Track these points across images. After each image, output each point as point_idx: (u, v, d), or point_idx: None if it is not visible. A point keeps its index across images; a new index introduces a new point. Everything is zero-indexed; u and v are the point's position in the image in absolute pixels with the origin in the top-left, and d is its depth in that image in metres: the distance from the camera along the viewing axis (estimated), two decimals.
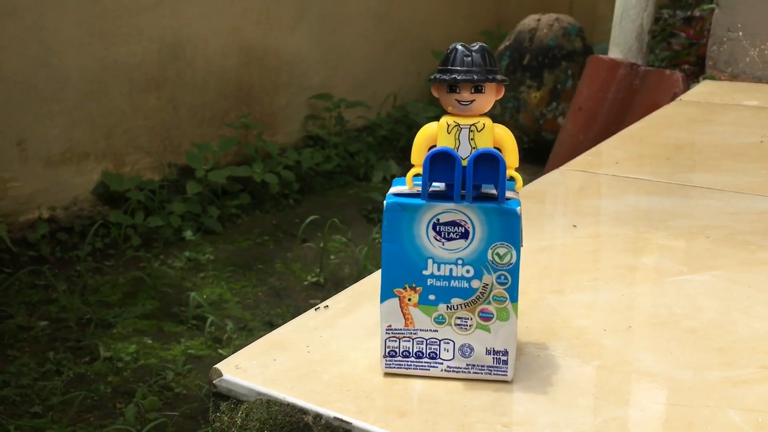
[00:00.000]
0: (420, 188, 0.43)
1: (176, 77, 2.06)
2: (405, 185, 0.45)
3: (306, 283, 1.74)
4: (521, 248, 0.44)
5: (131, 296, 1.58)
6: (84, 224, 1.84)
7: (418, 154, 0.44)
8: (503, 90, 0.43)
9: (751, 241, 0.68)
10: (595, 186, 0.87)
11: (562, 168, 0.94)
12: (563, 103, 1.99)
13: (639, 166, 0.96)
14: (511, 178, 0.44)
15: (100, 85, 1.89)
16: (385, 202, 0.43)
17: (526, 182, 1.86)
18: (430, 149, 0.43)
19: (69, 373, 1.28)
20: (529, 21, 2.08)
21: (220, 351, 1.39)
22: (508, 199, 0.43)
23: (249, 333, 1.48)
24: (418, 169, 0.44)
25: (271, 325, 1.52)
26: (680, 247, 0.67)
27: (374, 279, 0.58)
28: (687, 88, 1.66)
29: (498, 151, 0.42)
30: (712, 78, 1.64)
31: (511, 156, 0.43)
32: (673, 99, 1.57)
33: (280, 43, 2.34)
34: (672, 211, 0.77)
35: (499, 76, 0.42)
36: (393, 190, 0.45)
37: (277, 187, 2.12)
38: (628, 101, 1.73)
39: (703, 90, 1.52)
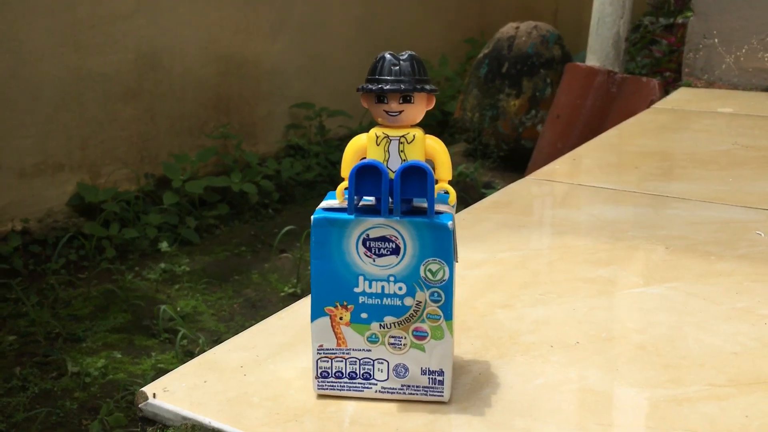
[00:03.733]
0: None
1: (153, 87, 2.04)
2: (336, 199, 0.43)
3: (282, 294, 1.72)
4: (455, 264, 0.42)
5: (103, 309, 1.55)
6: (58, 236, 1.82)
7: (347, 167, 0.42)
8: (434, 100, 0.42)
9: (711, 252, 0.67)
10: (560, 196, 0.86)
11: (529, 177, 0.93)
12: (542, 110, 1.98)
13: (606, 175, 0.94)
14: (446, 192, 0.43)
15: (75, 96, 1.87)
16: (312, 217, 0.42)
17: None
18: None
19: (34, 389, 1.25)
20: (508, 29, 2.07)
21: None
22: (439, 213, 0.42)
23: None
24: (347, 183, 0.42)
25: None
26: (638, 259, 0.65)
27: None
28: (663, 95, 1.66)
29: (426, 164, 0.41)
30: (689, 85, 1.63)
31: (444, 168, 0.42)
32: (649, 106, 1.56)
33: (259, 51, 2.33)
34: (634, 221, 0.76)
35: (428, 86, 0.41)
36: (323, 204, 0.43)
37: (256, 197, 2.10)
38: (605, 109, 1.73)
39: (678, 97, 1.52)
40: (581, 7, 3.30)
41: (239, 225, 2.07)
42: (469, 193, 2.08)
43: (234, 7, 2.22)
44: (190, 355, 1.43)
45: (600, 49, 1.71)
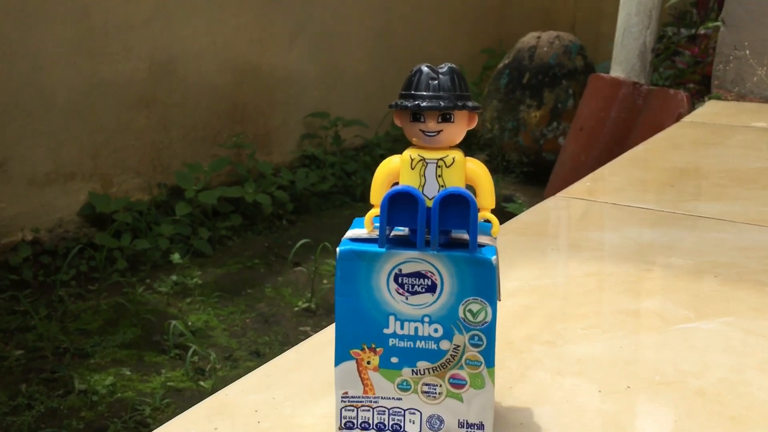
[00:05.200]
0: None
1: (167, 96, 2.01)
2: (364, 228, 0.39)
3: (296, 309, 1.67)
4: (498, 303, 0.37)
5: (112, 323, 1.51)
6: (69, 246, 1.78)
7: (377, 193, 0.38)
8: (476, 119, 0.37)
9: (764, 282, 0.62)
10: (594, 216, 0.81)
11: (560, 195, 0.88)
12: (564, 122, 1.93)
13: (641, 193, 0.89)
14: (487, 221, 0.38)
15: (88, 104, 1.84)
16: (338, 249, 0.37)
17: (526, 205, 1.77)
18: (392, 187, 0.37)
19: (40, 408, 1.21)
20: (529, 38, 2.03)
21: (201, 383, 1.32)
22: (481, 246, 0.37)
23: (234, 363, 1.41)
24: (377, 210, 0.37)
25: (258, 355, 1.45)
26: (686, 289, 0.60)
27: None
28: (691, 108, 1.60)
29: (468, 191, 0.36)
30: (718, 98, 1.58)
31: (486, 195, 0.37)
32: (677, 119, 1.50)
33: (275, 60, 2.29)
34: (677, 246, 0.71)
35: (470, 103, 0.36)
36: (350, 234, 0.39)
37: (270, 208, 2.06)
38: (630, 121, 1.67)
39: (708, 110, 1.46)
40: (600, 17, 3.25)
41: (252, 236, 2.03)
42: None
43: (251, 16, 2.19)
44: (201, 373, 1.38)
45: (625, 60, 1.66)
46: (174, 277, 1.72)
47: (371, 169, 2.45)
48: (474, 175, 0.37)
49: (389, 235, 0.38)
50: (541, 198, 1.93)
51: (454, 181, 0.37)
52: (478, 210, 0.36)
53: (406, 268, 0.37)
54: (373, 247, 0.37)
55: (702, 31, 2.23)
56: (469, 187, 0.38)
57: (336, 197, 2.30)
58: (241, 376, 1.33)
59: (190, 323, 1.53)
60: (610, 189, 0.91)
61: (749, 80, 1.51)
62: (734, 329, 0.53)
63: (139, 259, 1.80)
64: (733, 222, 0.77)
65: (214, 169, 2.03)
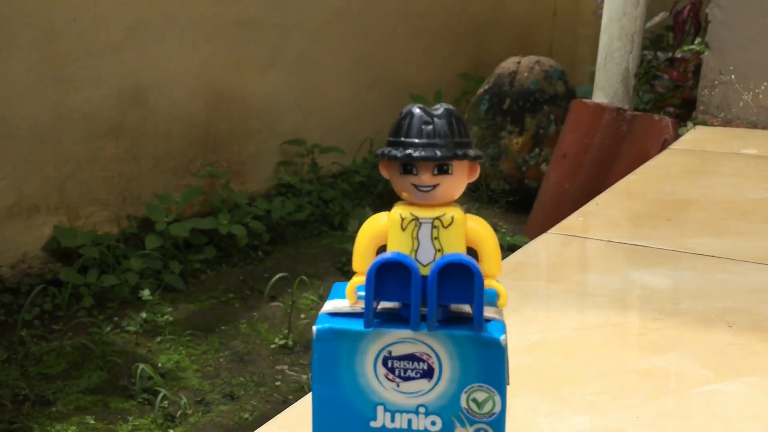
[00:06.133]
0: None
1: (137, 124, 1.94)
2: (345, 298, 0.32)
3: (273, 346, 1.60)
4: (507, 388, 0.31)
5: (77, 367, 1.43)
6: (33, 283, 1.69)
7: (361, 259, 0.31)
8: (478, 169, 0.31)
9: None
10: (590, 255, 0.76)
11: (551, 231, 0.83)
12: (546, 149, 1.89)
13: (637, 229, 0.84)
14: (493, 290, 0.32)
15: (53, 134, 1.77)
16: (314, 327, 0.31)
17: (510, 234, 1.69)
18: (378, 252, 0.31)
19: None
20: (509, 64, 1.99)
21: (171, 431, 1.24)
22: (486, 321, 0.31)
23: (206, 408, 1.33)
24: (361, 278, 0.31)
25: (232, 398, 1.38)
26: (700, 342, 0.55)
27: None
28: (677, 134, 1.57)
29: (471, 259, 0.30)
30: (704, 123, 1.54)
31: (492, 261, 0.31)
32: (663, 145, 1.47)
33: (250, 86, 2.24)
34: (683, 289, 0.65)
35: (471, 151, 0.30)
36: (328, 306, 0.32)
37: (245, 239, 1.99)
38: (614, 148, 1.64)
39: (695, 137, 1.43)
40: (575, 40, 3.25)
41: (227, 269, 1.95)
42: None
43: (225, 40, 2.13)
44: (171, 419, 1.30)
45: (608, 85, 1.63)
46: (143, 315, 1.64)
47: (349, 197, 2.39)
48: (476, 236, 0.31)
49: (376, 308, 0.31)
50: (525, 226, 1.88)
51: (453, 245, 0.31)
52: (483, 280, 0.30)
53: (397, 350, 0.31)
54: (358, 325, 0.31)
55: (678, 54, 2.21)
56: (470, 249, 0.32)
57: (313, 226, 2.24)
58: (213, 422, 1.23)
59: (160, 364, 1.45)
60: (605, 224, 0.86)
61: (735, 105, 1.48)
62: (759, 391, 0.48)
63: (106, 296, 1.72)
64: (738, 260, 0.72)
65: (186, 199, 1.95)
